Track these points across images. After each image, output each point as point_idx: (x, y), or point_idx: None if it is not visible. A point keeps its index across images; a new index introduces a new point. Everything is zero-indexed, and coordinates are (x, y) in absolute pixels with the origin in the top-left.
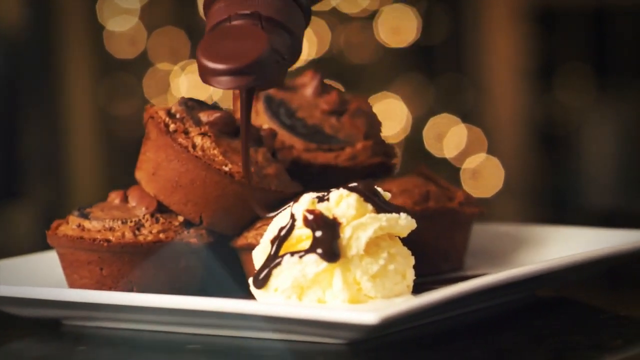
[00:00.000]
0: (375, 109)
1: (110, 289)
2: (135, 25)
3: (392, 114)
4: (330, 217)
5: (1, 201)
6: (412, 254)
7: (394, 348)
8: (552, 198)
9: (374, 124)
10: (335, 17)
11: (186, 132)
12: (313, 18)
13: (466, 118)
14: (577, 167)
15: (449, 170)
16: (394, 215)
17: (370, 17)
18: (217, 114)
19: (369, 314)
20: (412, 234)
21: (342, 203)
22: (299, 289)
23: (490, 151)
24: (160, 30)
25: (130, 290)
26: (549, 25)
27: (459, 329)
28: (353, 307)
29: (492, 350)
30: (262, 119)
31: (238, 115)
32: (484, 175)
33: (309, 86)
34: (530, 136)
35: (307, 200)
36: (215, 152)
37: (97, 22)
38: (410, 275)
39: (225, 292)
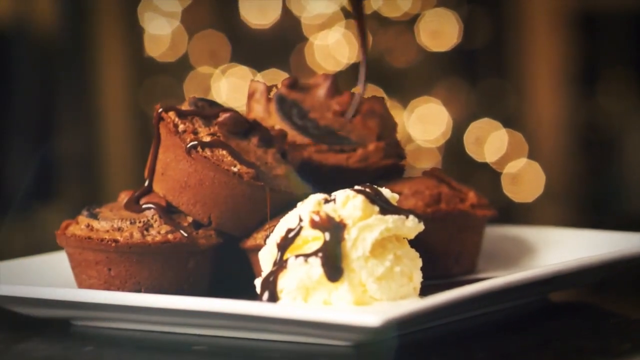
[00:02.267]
0: (415, 113)
1: (118, 289)
2: (177, 28)
3: (433, 119)
4: (337, 218)
5: (36, 201)
6: (423, 256)
7: (400, 350)
8: (592, 203)
9: (387, 126)
10: (376, 21)
11: (195, 132)
12: (352, 22)
13: (507, 123)
14: (618, 173)
15: (489, 175)
16: (401, 216)
17: (411, 20)
18: (226, 114)
19: (371, 316)
20: (423, 236)
21: (348, 204)
22: (304, 291)
23: (531, 156)
24: (201, 34)
25: (138, 290)
26: (591, 30)
27: (466, 332)
28: (356, 309)
29: (497, 353)
30: (274, 119)
31: (251, 115)
32: (524, 180)
33: (321, 87)
34: (571, 141)
35: (314, 201)
36: (224, 152)
37: (137, 25)
38: (417, 277)
39: (233, 293)
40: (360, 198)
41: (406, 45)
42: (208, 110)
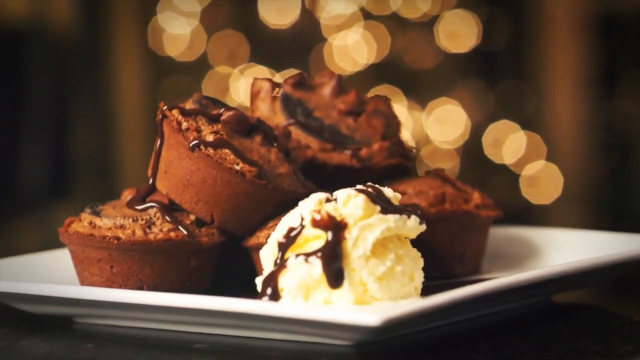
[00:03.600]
0: (434, 115)
1: (120, 287)
2: (196, 28)
3: (451, 120)
4: (338, 217)
5: (51, 200)
6: (426, 256)
7: (399, 350)
8: (611, 206)
9: (392, 125)
10: (395, 22)
11: (198, 130)
12: (373, 22)
13: (526, 125)
14: (637, 175)
15: (508, 177)
16: (402, 216)
17: (430, 22)
18: (229, 113)
19: (371, 316)
20: (427, 236)
21: (349, 203)
22: (305, 290)
23: (550, 158)
24: (220, 34)
25: (140, 288)
26: (610, 32)
27: (467, 333)
28: (356, 309)
29: (497, 355)
30: (278, 118)
31: (255, 113)
32: (542, 182)
33: (327, 86)
34: (590, 143)
35: (315, 200)
36: (227, 150)
37: (155, 25)
38: (419, 277)
39: (236, 292)
40: (362, 197)
41: (425, 46)
42: (211, 108)
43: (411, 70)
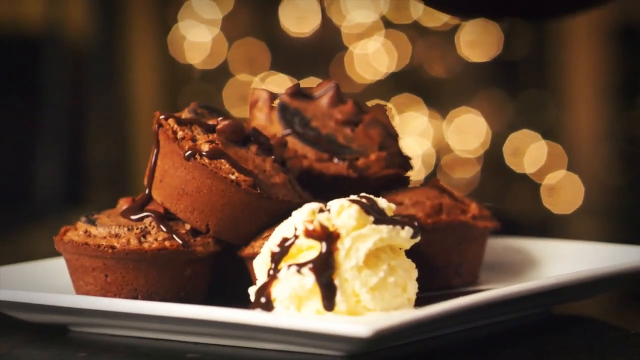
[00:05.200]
0: (454, 124)
1: (114, 296)
2: (217, 35)
3: (472, 129)
4: (330, 227)
5: (67, 207)
6: (423, 267)
7: None
8: (632, 217)
9: (389, 135)
10: (416, 31)
11: (194, 140)
12: (393, 31)
13: (547, 134)
14: None
15: (528, 186)
16: (396, 227)
17: (451, 31)
18: (225, 122)
19: (361, 326)
20: (423, 246)
21: (342, 214)
22: (297, 300)
23: (571, 168)
24: (241, 41)
25: (135, 297)
26: (632, 42)
27: (462, 345)
28: (347, 319)
29: None
30: (276, 127)
31: (253, 123)
32: (563, 192)
33: (324, 96)
34: (611, 153)
35: (308, 210)
36: (222, 160)
37: (176, 32)
38: (412, 288)
39: (233, 301)
40: (355, 208)
41: (446, 55)
42: (208, 117)
43: (432, 79)
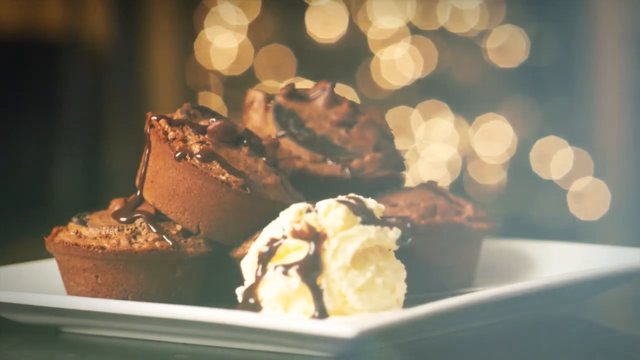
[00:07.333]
0: (480, 130)
1: (105, 296)
2: (243, 42)
3: (498, 135)
4: (317, 228)
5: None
6: (416, 269)
7: None
8: None
9: (385, 137)
10: (443, 37)
11: (184, 140)
12: (420, 37)
13: (573, 141)
14: None
15: (555, 193)
16: (384, 228)
17: (478, 37)
18: (216, 123)
19: (346, 327)
20: (416, 248)
21: (330, 214)
22: (284, 301)
23: (597, 174)
24: (267, 48)
25: (125, 298)
26: None
27: (452, 347)
28: (333, 320)
29: None
30: (270, 128)
31: (247, 124)
32: (589, 198)
33: (320, 97)
34: (638, 160)
35: (295, 210)
36: (213, 160)
37: (203, 38)
38: (401, 289)
39: (225, 302)
40: (342, 208)
41: (472, 61)
42: (200, 118)
43: (458, 85)
